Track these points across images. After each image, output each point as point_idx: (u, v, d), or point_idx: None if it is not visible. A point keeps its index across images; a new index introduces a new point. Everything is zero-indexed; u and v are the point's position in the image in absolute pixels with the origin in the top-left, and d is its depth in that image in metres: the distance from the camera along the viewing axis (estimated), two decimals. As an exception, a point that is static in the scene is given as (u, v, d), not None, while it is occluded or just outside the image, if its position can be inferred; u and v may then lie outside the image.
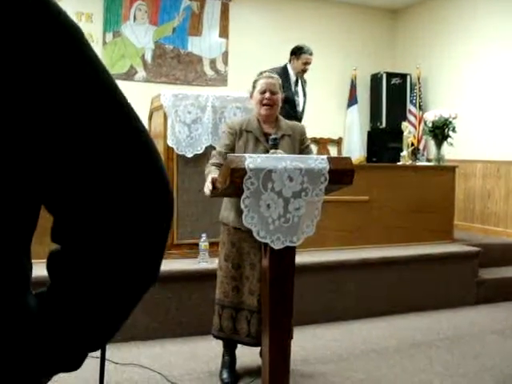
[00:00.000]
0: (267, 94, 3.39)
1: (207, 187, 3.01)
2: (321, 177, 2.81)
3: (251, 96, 3.51)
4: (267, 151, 3.18)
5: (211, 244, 4.44)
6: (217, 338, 3.48)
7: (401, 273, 5.18)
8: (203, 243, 4.49)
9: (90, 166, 0.74)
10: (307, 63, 5.89)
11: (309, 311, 4.56)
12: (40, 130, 0.72)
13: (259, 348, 3.27)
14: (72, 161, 0.73)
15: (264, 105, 3.39)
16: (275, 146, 3.16)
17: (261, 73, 3.53)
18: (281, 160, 2.78)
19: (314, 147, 7.77)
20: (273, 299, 2.89)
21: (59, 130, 0.72)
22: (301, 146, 3.46)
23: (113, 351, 3.74)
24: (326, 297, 4.79)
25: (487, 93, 6.98)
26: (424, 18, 8.15)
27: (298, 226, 2.82)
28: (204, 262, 4.44)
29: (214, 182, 3.00)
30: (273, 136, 3.23)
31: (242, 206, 2.73)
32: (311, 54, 5.90)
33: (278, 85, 3.47)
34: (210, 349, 3.88)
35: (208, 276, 4.00)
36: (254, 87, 3.48)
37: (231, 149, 3.34)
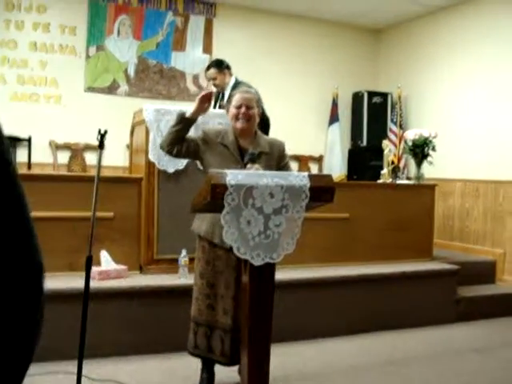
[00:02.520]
0: (243, 109, 3.37)
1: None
2: (302, 194, 2.82)
3: (227, 111, 3.51)
4: (241, 167, 3.18)
5: (191, 260, 4.42)
6: (192, 355, 3.47)
7: (380, 290, 5.19)
8: (183, 259, 4.48)
9: None
10: (209, 79, 5.82)
11: (288, 328, 4.54)
12: None
13: (237, 366, 3.26)
14: None
15: (240, 119, 3.37)
16: (253, 161, 3.16)
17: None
18: (262, 177, 2.79)
19: (294, 164, 7.81)
20: (252, 316, 2.89)
21: None
22: (279, 163, 3.44)
23: (90, 367, 3.70)
24: (305, 314, 4.79)
25: (467, 113, 7.06)
26: (405, 38, 8.24)
27: (278, 242, 2.82)
28: (184, 278, 4.42)
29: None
30: (251, 151, 3.23)
31: (223, 222, 2.73)
32: (208, 69, 5.78)
33: (255, 99, 3.45)
34: (189, 365, 3.85)
35: (188, 292, 3.97)
36: (229, 102, 3.48)
37: (196, 144, 3.39)
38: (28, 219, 0.86)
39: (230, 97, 3.51)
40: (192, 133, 4.62)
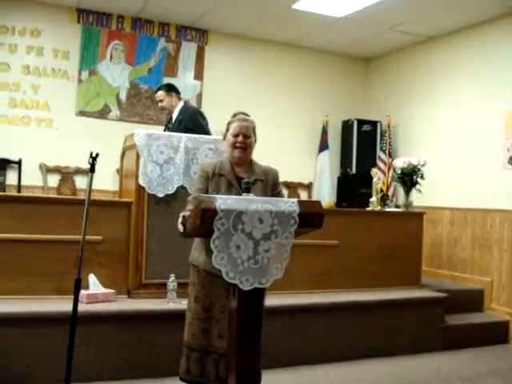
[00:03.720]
0: (240, 138, 3.40)
1: (179, 225, 3.06)
2: (291, 219, 2.84)
3: (224, 138, 3.53)
4: (240, 195, 3.19)
5: (180, 284, 4.42)
6: (183, 381, 3.42)
7: (369, 317, 5.19)
8: (172, 283, 4.47)
9: None
10: (157, 102, 5.84)
11: (277, 355, 4.53)
12: None
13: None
14: None
15: (237, 148, 3.40)
16: (247, 190, 3.17)
17: (235, 114, 3.54)
18: (251, 202, 2.81)
19: (284, 191, 7.83)
20: (240, 341, 2.88)
21: None
22: (273, 190, 3.47)
23: (76, 391, 3.68)
24: (293, 340, 4.78)
25: (455, 141, 7.12)
26: (394, 67, 8.34)
27: (268, 267, 2.83)
28: (172, 303, 4.42)
29: (184, 219, 3.03)
30: (245, 180, 3.24)
31: (212, 247, 2.74)
32: (156, 91, 5.85)
33: (252, 128, 3.48)
34: (176, 391, 3.83)
35: (176, 317, 3.97)
36: (227, 129, 3.49)
37: (205, 193, 3.33)
38: None
39: (228, 124, 3.51)
40: (183, 157, 4.68)
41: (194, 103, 7.76)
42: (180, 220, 3.08)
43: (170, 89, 5.77)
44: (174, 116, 5.68)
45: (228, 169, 3.40)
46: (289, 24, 7.40)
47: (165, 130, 5.72)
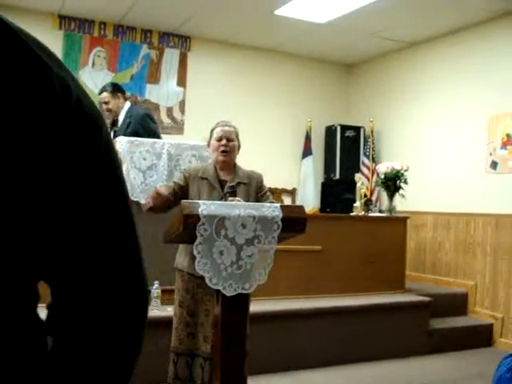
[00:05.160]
0: (223, 141, 3.49)
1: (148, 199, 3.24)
2: (274, 224, 2.84)
3: (208, 144, 3.61)
4: (222, 198, 3.23)
5: (163, 291, 4.40)
6: (172, 387, 3.42)
7: (353, 322, 5.20)
8: (155, 290, 4.45)
9: (90, 265, 0.83)
10: (101, 103, 5.33)
11: (261, 361, 4.52)
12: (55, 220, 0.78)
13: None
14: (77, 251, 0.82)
15: (221, 152, 3.47)
16: (233, 194, 3.21)
17: (218, 122, 3.66)
18: (234, 207, 2.81)
19: (268, 196, 7.82)
20: (225, 347, 2.88)
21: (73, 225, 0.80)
22: (257, 194, 3.51)
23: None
24: (278, 346, 4.77)
25: (438, 146, 7.16)
26: (377, 73, 8.38)
27: (251, 273, 2.83)
28: (156, 310, 4.39)
29: (155, 194, 3.16)
30: (229, 184, 3.29)
31: (195, 253, 2.74)
32: (100, 93, 5.41)
33: (235, 133, 3.58)
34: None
35: (160, 324, 3.95)
36: (211, 135, 3.60)
37: (181, 187, 3.43)
38: (136, 235, 0.90)
39: (211, 131, 3.61)
40: (166, 164, 4.67)
41: (177, 110, 7.75)
42: (151, 193, 3.18)
43: (116, 89, 5.38)
44: (121, 118, 5.33)
45: (211, 172, 3.47)
46: (271, 30, 7.42)
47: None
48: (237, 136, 3.60)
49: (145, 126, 5.23)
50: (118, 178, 0.86)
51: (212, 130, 3.61)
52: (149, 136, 5.00)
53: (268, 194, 3.61)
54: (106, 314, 0.85)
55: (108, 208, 0.83)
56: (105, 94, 5.34)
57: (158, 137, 5.22)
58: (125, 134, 4.97)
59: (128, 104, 5.43)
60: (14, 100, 0.72)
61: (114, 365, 0.89)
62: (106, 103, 5.32)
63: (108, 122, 5.37)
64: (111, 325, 0.86)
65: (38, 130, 0.73)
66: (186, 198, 3.44)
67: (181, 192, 3.42)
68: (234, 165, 3.58)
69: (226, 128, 3.55)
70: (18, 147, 0.71)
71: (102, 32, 7.38)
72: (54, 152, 0.74)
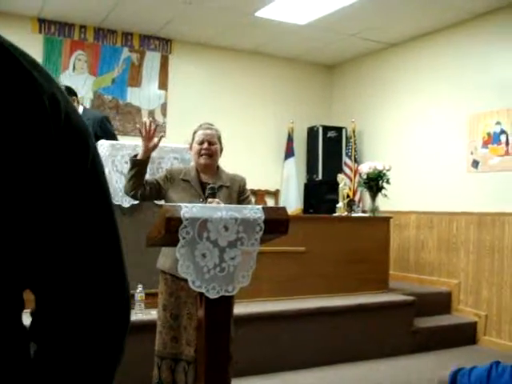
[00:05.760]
0: (205, 145, 3.47)
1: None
2: (256, 226, 2.83)
3: (190, 147, 3.59)
4: (203, 201, 3.22)
5: (147, 295, 4.39)
6: (155, 390, 3.41)
7: (337, 323, 5.21)
8: (139, 294, 4.43)
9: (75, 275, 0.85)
10: None
11: (245, 362, 4.51)
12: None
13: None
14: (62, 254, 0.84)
15: (202, 155, 3.45)
16: (213, 195, 3.21)
17: (200, 125, 3.61)
18: (216, 210, 2.80)
19: (251, 199, 7.82)
20: (208, 350, 2.87)
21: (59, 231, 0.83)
22: (239, 197, 3.50)
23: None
24: (261, 348, 4.77)
25: (420, 146, 7.20)
26: (358, 73, 8.41)
27: (234, 275, 2.82)
28: (140, 314, 4.38)
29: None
30: (210, 185, 3.29)
31: (178, 255, 2.73)
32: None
33: (217, 136, 3.56)
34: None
35: (144, 327, 3.94)
36: (193, 138, 3.58)
37: (159, 185, 3.45)
38: (120, 245, 0.94)
39: (193, 133, 3.59)
40: (148, 167, 4.65)
41: (159, 113, 7.73)
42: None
43: (69, 93, 5.26)
44: None
45: (193, 175, 3.46)
46: (252, 32, 7.42)
47: None
48: (219, 139, 3.58)
49: (104, 128, 5.35)
50: (104, 190, 0.89)
51: (194, 133, 3.58)
52: (107, 138, 5.05)
53: (250, 198, 3.60)
54: (89, 321, 0.87)
55: (93, 219, 0.86)
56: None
57: (116, 139, 5.31)
58: None
59: (81, 107, 5.56)
60: (6, 120, 0.74)
61: (96, 370, 0.90)
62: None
63: None
64: (94, 331, 0.88)
65: (28, 149, 0.75)
66: (159, 196, 3.48)
67: (158, 188, 3.44)
68: (217, 168, 3.57)
69: (208, 131, 3.52)
70: (7, 165, 0.74)
71: (83, 35, 7.34)
72: (44, 168, 0.77)
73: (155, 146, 3.44)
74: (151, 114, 7.70)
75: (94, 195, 0.86)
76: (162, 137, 3.55)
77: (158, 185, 3.43)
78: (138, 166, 3.36)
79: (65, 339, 0.86)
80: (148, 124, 3.42)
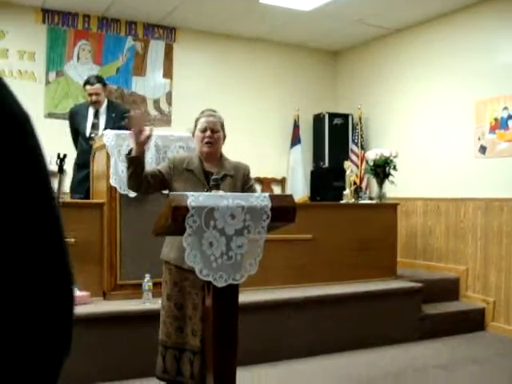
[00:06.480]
0: (208, 132, 3.40)
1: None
2: (263, 214, 2.82)
3: (193, 135, 3.52)
4: (207, 190, 3.18)
5: (155, 284, 4.39)
6: (160, 379, 3.40)
7: (345, 310, 5.20)
8: (147, 283, 4.44)
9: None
10: (91, 94, 5.52)
11: (253, 351, 4.52)
12: None
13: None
14: None
15: (205, 143, 3.39)
16: (217, 187, 3.16)
17: (202, 111, 3.54)
18: (223, 198, 2.79)
19: (257, 187, 7.81)
20: (217, 338, 2.87)
21: None
22: (244, 185, 3.45)
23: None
24: (270, 336, 4.77)
25: (427, 132, 7.16)
26: (364, 59, 8.36)
27: (241, 263, 2.82)
28: (148, 303, 4.39)
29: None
30: (214, 176, 3.24)
31: (185, 244, 2.72)
32: (93, 83, 5.55)
33: (220, 123, 3.48)
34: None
35: (152, 317, 3.93)
36: (195, 126, 3.50)
37: (162, 174, 3.36)
38: (61, 228, 0.83)
39: (196, 121, 3.51)
40: (154, 156, 4.64)
41: (164, 102, 7.72)
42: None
43: (105, 83, 5.65)
44: (103, 112, 5.59)
45: (197, 164, 3.39)
46: (257, 19, 7.38)
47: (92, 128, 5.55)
48: (222, 126, 3.50)
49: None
50: (42, 177, 0.80)
51: (196, 120, 3.51)
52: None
53: (254, 186, 3.54)
54: (28, 316, 0.79)
55: (29, 211, 0.77)
56: (98, 86, 5.55)
57: None
58: (113, 128, 5.04)
59: (106, 101, 5.66)
60: None
61: (37, 368, 0.83)
62: (97, 94, 5.53)
63: (92, 112, 5.63)
64: (33, 327, 0.80)
65: None
66: (163, 186, 3.43)
67: (161, 178, 3.35)
68: (221, 155, 3.50)
69: (211, 119, 3.45)
70: None
71: (86, 25, 7.32)
72: None
73: (148, 137, 3.23)
74: (156, 102, 7.68)
75: (29, 182, 0.77)
76: (151, 128, 3.33)
77: (162, 175, 3.35)
78: (135, 162, 3.23)
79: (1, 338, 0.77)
80: (138, 115, 3.29)
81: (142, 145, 3.23)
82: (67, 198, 6.16)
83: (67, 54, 7.22)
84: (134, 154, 3.23)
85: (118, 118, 5.43)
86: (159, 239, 3.44)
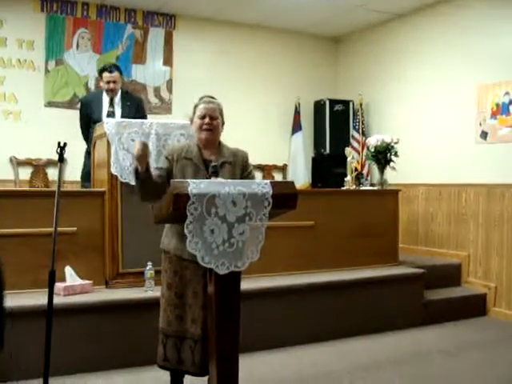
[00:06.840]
0: (207, 119, 3.35)
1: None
2: (264, 201, 2.82)
3: (191, 121, 3.49)
4: (206, 178, 3.15)
5: (157, 272, 4.38)
6: (162, 368, 3.39)
7: (347, 296, 5.21)
8: (149, 271, 4.45)
9: None
10: (109, 82, 5.62)
11: (256, 337, 4.53)
12: None
13: (208, 376, 3.22)
14: None
15: (204, 129, 3.36)
16: (215, 174, 3.14)
17: (201, 98, 3.50)
18: (224, 185, 2.78)
19: (258, 174, 7.81)
20: (219, 325, 2.87)
21: None
22: (243, 172, 3.42)
23: (56, 385, 3.64)
24: (272, 322, 4.78)
25: (428, 117, 7.14)
26: (365, 45, 8.32)
27: (243, 250, 2.81)
28: (150, 291, 4.39)
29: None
30: (213, 164, 3.21)
31: (186, 232, 2.71)
32: (111, 71, 5.65)
33: (219, 110, 3.43)
34: (158, 378, 3.81)
35: (154, 305, 3.92)
36: (194, 112, 3.45)
37: (165, 171, 3.30)
38: None
39: (194, 107, 3.47)
40: (154, 144, 4.62)
41: (164, 89, 7.70)
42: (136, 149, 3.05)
43: (117, 69, 5.71)
44: (118, 100, 5.69)
45: (195, 152, 3.35)
46: (257, 5, 7.34)
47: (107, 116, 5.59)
48: (221, 113, 3.45)
49: (141, 111, 5.80)
50: None
51: (195, 107, 3.46)
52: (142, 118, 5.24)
53: (253, 173, 3.48)
54: None
55: None
56: (117, 74, 5.68)
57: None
58: (129, 117, 5.23)
59: (120, 91, 5.75)
60: None
61: None
62: (115, 82, 5.64)
63: (106, 100, 5.73)
64: None
65: None
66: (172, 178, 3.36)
67: (167, 173, 3.28)
68: (219, 143, 3.46)
69: (210, 105, 3.40)
70: None
71: (85, 13, 7.28)
72: None
73: (146, 156, 3.10)
74: (157, 90, 7.66)
75: None
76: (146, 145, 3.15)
77: (165, 171, 3.30)
78: (142, 176, 3.12)
79: None
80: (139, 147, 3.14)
81: (144, 161, 3.10)
82: (68, 187, 6.19)
83: (66, 42, 7.19)
84: (140, 170, 3.10)
85: (135, 109, 5.64)
86: (161, 227, 3.43)
